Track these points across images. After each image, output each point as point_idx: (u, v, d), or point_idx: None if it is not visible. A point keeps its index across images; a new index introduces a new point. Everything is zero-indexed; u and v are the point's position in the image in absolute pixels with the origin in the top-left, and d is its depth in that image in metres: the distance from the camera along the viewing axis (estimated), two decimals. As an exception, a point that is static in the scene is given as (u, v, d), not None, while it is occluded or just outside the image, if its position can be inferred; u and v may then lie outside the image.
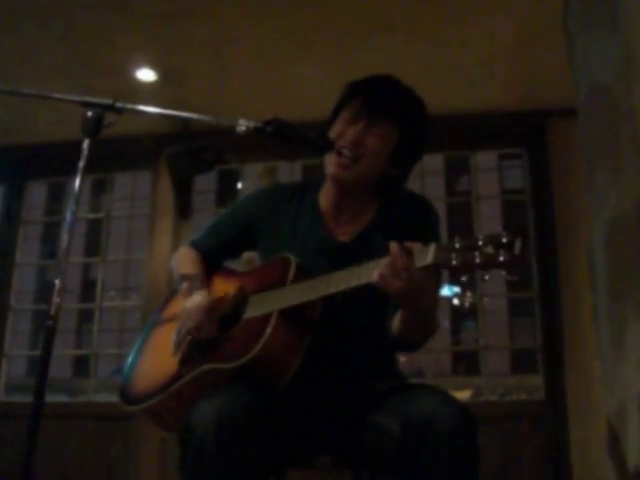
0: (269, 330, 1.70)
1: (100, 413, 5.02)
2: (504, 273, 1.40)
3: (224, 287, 2.03)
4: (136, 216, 6.77)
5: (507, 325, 22.95)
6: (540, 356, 4.81)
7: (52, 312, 1.62)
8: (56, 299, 1.61)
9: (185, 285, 2.04)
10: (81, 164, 1.67)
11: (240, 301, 1.91)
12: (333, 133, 1.93)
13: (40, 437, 1.55)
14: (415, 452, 1.57)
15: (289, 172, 5.43)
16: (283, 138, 1.79)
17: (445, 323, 24.45)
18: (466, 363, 22.56)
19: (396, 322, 1.75)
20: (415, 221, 1.92)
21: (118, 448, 4.84)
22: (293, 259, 1.84)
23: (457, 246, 1.43)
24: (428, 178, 6.32)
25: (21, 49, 4.17)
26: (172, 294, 2.22)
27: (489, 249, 1.39)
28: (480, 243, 1.40)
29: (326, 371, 1.84)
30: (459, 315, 25.42)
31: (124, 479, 4.78)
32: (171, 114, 1.84)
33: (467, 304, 24.60)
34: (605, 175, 1.94)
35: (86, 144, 1.68)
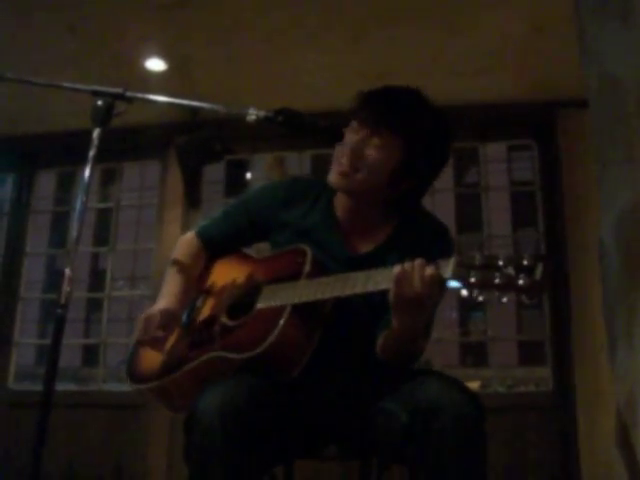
0: (282, 323, 1.70)
1: (109, 402, 5.04)
2: (522, 297, 1.39)
3: (233, 272, 2.02)
4: (145, 206, 6.77)
5: (515, 317, 22.90)
6: (548, 348, 4.81)
7: (62, 301, 1.62)
8: (66, 288, 1.61)
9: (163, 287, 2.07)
10: (91, 153, 1.67)
11: (252, 290, 1.90)
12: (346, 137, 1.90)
13: (49, 425, 1.56)
14: (421, 438, 1.57)
15: (298, 162, 5.43)
16: (293, 127, 1.78)
17: (453, 314, 24.42)
18: (474, 355, 22.54)
19: (382, 340, 1.77)
20: (430, 247, 1.84)
21: (127, 436, 4.86)
22: (309, 251, 1.83)
23: (477, 263, 1.42)
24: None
25: (31, 38, 4.17)
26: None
27: (509, 270, 1.37)
28: (501, 263, 1.39)
29: (334, 361, 1.84)
30: (467, 306, 25.39)
31: (133, 467, 4.80)
32: (180, 103, 1.84)
33: (476, 296, 24.56)
34: (616, 167, 1.93)
35: (96, 133, 1.68)
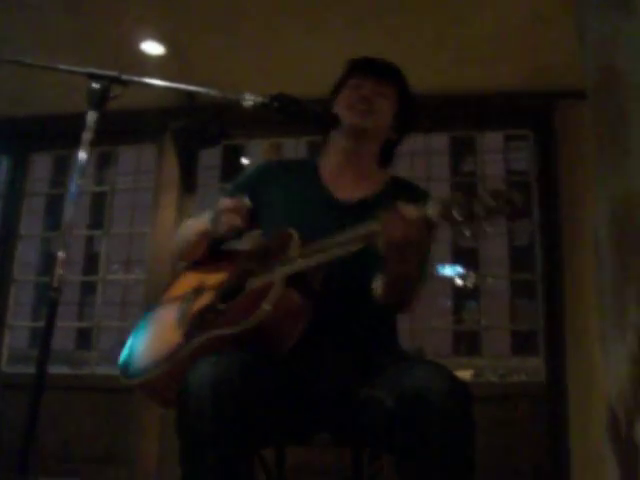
0: (274, 294, 1.70)
1: (102, 385, 5.05)
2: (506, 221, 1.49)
3: (223, 267, 2.03)
4: (140, 190, 6.76)
5: (509, 306, 23.00)
6: (541, 338, 4.82)
7: (55, 284, 1.61)
8: (59, 271, 1.61)
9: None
10: (86, 137, 1.65)
11: (243, 274, 1.90)
12: (342, 100, 2.06)
13: (42, 408, 1.56)
14: (407, 425, 1.56)
15: (294, 148, 5.42)
16: (289, 114, 1.79)
17: (447, 303, 24.50)
18: (467, 343, 22.65)
19: (377, 284, 1.80)
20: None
21: (119, 419, 4.87)
22: (294, 232, 1.84)
23: (460, 201, 1.49)
24: (433, 157, 6.30)
25: (27, 20, 4.14)
26: (173, 279, 2.21)
27: (490, 201, 1.46)
28: (481, 196, 1.47)
29: (326, 340, 1.85)
30: (461, 295, 25.47)
31: (125, 450, 4.82)
32: (177, 87, 1.82)
33: (470, 285, 24.66)
34: (613, 157, 1.93)
35: (91, 116, 1.66)
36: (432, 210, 1.52)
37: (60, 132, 5.27)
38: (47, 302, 1.57)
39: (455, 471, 1.55)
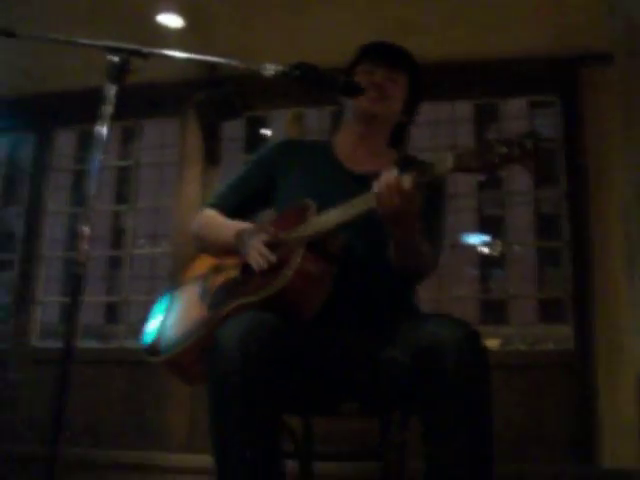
0: (294, 262, 1.71)
1: (131, 358, 5.10)
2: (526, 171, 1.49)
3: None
4: (165, 164, 6.77)
5: (536, 274, 22.86)
6: (570, 306, 4.79)
7: (80, 259, 1.62)
8: (84, 246, 1.61)
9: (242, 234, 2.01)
10: (106, 111, 1.65)
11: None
12: (359, 79, 2.04)
13: (72, 381, 1.57)
14: (424, 379, 1.59)
15: (317, 119, 5.39)
16: (310, 82, 1.78)
17: (473, 272, 24.40)
18: (495, 312, 22.58)
19: (392, 254, 1.83)
20: (429, 191, 1.91)
21: (149, 392, 4.93)
22: (311, 202, 1.85)
23: (474, 150, 1.52)
24: (458, 126, 6.23)
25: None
26: (191, 260, 2.21)
27: (503, 149, 1.48)
28: (494, 145, 1.49)
29: (347, 306, 1.86)
30: (487, 264, 25.33)
31: (155, 422, 4.88)
32: (197, 59, 1.81)
33: (496, 253, 24.51)
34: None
35: (111, 90, 1.65)
36: (448, 164, 1.55)
37: (83, 107, 5.25)
38: (72, 278, 1.58)
39: (474, 416, 1.56)
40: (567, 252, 4.83)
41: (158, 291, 2.42)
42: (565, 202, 4.88)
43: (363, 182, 1.78)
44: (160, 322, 2.07)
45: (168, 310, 2.10)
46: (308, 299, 1.75)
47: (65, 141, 6.56)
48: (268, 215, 2.15)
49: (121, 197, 6.72)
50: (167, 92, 5.15)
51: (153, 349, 2.00)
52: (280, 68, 1.76)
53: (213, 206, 2.19)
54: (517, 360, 4.80)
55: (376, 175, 1.76)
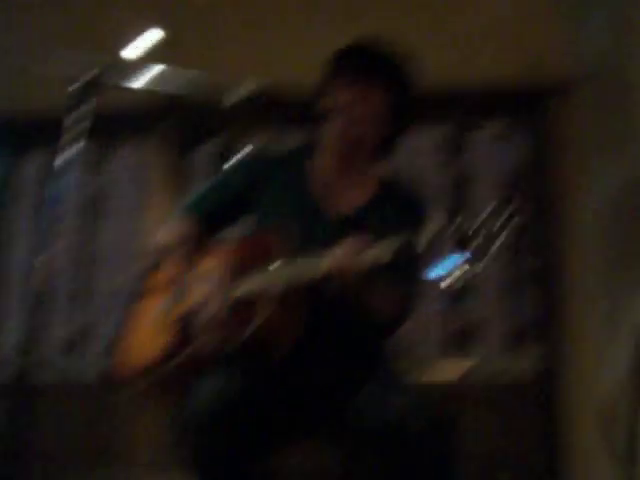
0: (260, 312, 1.71)
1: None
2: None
3: (211, 259, 2.00)
4: (133, 188, 6.73)
5: (505, 295, 22.94)
6: (536, 330, 4.81)
7: (40, 288, 1.59)
8: (42, 276, 1.57)
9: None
10: (65, 139, 1.63)
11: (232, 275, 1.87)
12: (330, 101, 1.98)
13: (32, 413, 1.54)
14: (384, 453, 1.62)
15: (287, 143, 5.37)
16: (272, 110, 1.77)
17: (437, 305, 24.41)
18: (459, 340, 22.58)
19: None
20: (409, 224, 1.85)
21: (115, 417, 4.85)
22: (279, 236, 1.81)
23: (445, 232, 1.52)
24: (425, 154, 6.24)
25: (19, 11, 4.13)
26: (154, 266, 2.16)
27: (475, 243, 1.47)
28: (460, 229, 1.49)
29: (314, 354, 1.83)
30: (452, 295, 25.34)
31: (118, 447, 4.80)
32: (160, 90, 1.79)
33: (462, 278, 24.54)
34: (605, 152, 1.91)
35: (69, 119, 1.63)
36: (409, 248, 1.52)
37: (52, 130, 5.23)
38: (28, 309, 1.54)
39: None
40: (537, 273, 4.85)
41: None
42: (530, 230, 4.92)
43: (338, 227, 1.76)
44: (120, 338, 2.03)
45: (129, 323, 2.06)
46: (276, 342, 1.74)
47: (33, 164, 6.50)
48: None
49: (87, 221, 6.68)
50: (136, 115, 5.11)
51: (118, 370, 1.98)
52: (246, 94, 1.74)
53: (186, 214, 2.16)
54: (485, 382, 4.80)
55: (352, 217, 1.76)
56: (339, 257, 1.57)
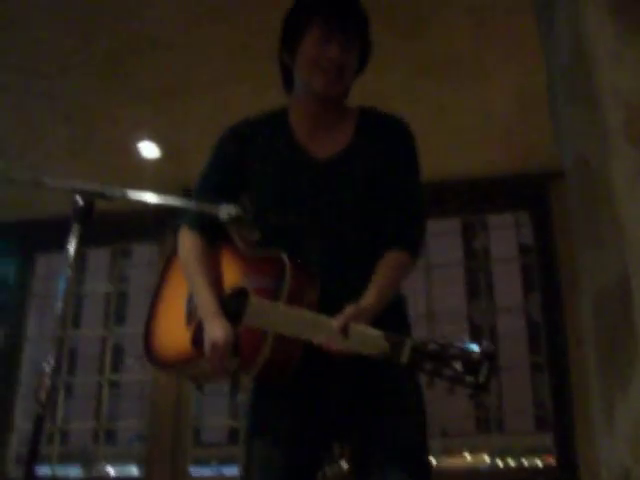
0: (266, 350, 1.66)
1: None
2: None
3: (224, 270, 1.95)
4: (149, 286, 6.78)
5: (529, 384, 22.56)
6: (551, 417, 4.76)
7: (42, 398, 1.58)
8: (46, 383, 1.57)
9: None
10: (70, 249, 1.67)
11: (240, 301, 1.82)
12: (307, 62, 1.90)
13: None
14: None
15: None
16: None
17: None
18: (486, 423, 22.09)
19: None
20: (396, 145, 1.91)
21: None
22: (288, 264, 1.75)
23: (432, 351, 1.43)
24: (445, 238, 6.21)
25: (28, 128, 4.28)
26: (174, 253, 2.12)
27: (459, 366, 1.40)
28: (452, 355, 1.41)
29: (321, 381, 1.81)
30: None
31: None
32: (160, 200, 1.83)
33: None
34: (591, 247, 1.94)
35: (75, 229, 1.69)
36: (403, 358, 1.46)
37: (62, 233, 5.33)
38: (33, 418, 1.54)
39: None
40: (546, 365, 4.84)
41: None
42: (542, 314, 4.92)
43: (328, 170, 1.80)
44: (149, 322, 2.03)
45: (155, 310, 2.05)
46: (280, 372, 1.72)
47: (45, 266, 6.60)
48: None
49: (109, 319, 6.71)
50: (144, 218, 5.21)
51: (151, 355, 1.99)
52: (234, 212, 1.72)
53: (192, 228, 2.04)
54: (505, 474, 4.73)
55: (339, 159, 1.84)
56: (328, 339, 1.54)
